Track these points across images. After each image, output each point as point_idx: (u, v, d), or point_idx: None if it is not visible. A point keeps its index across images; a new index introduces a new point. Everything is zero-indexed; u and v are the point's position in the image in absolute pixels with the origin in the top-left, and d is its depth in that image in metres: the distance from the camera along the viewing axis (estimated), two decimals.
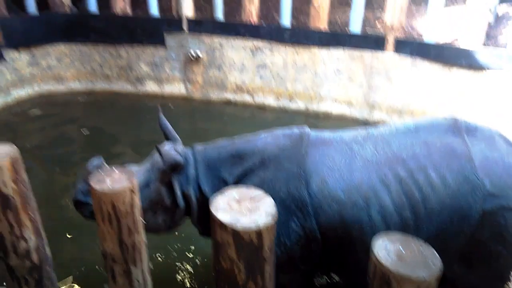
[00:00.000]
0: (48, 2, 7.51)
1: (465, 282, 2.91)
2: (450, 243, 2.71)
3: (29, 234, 2.32)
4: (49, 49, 7.70)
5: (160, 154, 2.91)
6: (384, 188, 2.70)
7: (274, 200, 2.70)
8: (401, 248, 1.66)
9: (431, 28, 6.44)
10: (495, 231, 2.65)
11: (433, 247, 2.64)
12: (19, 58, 7.45)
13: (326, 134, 3.04)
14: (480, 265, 2.79)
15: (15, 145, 2.27)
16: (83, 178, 2.95)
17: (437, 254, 1.65)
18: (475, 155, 2.67)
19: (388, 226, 2.68)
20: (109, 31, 7.60)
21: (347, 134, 3.01)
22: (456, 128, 2.82)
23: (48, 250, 2.48)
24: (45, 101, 7.69)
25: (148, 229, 2.92)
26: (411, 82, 6.74)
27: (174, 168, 2.94)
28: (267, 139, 3.03)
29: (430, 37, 6.50)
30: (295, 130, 3.07)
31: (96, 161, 2.95)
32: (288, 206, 2.77)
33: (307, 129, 3.06)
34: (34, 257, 2.36)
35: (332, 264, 3.00)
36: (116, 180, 2.03)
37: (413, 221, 2.67)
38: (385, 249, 1.65)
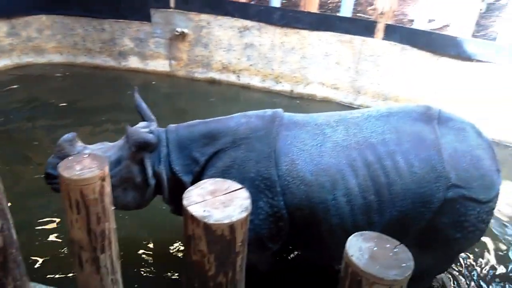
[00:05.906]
0: None
1: (418, 264, 2.97)
2: (410, 227, 2.80)
3: None
4: (30, 20, 7.42)
5: (127, 133, 2.90)
6: (352, 171, 2.75)
7: (244, 179, 2.79)
8: (375, 247, 1.62)
9: (422, 15, 6.36)
10: (455, 218, 2.75)
11: (395, 230, 2.70)
12: None
13: (300, 117, 3.06)
14: (435, 249, 2.90)
15: None
16: (55, 153, 2.95)
17: (410, 254, 1.63)
18: (444, 146, 2.74)
19: (352, 208, 2.76)
20: (92, 4, 7.34)
21: (321, 117, 3.03)
22: (428, 116, 2.88)
23: (14, 233, 2.39)
24: (23, 73, 7.43)
25: (117, 205, 2.92)
26: (399, 69, 6.68)
27: (143, 148, 2.94)
28: (240, 120, 3.03)
29: (421, 24, 6.42)
30: (268, 111, 3.07)
31: (69, 136, 2.94)
32: (257, 186, 2.81)
33: (280, 111, 3.07)
34: None
35: (298, 242, 3.09)
36: (86, 167, 1.94)
37: (377, 204, 2.74)
38: (359, 248, 1.61)
